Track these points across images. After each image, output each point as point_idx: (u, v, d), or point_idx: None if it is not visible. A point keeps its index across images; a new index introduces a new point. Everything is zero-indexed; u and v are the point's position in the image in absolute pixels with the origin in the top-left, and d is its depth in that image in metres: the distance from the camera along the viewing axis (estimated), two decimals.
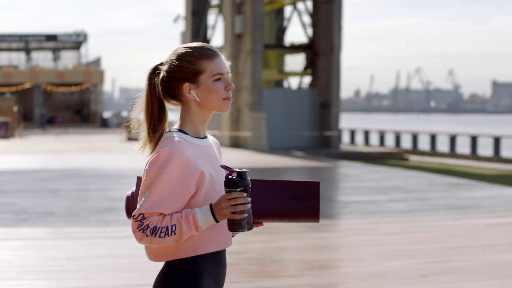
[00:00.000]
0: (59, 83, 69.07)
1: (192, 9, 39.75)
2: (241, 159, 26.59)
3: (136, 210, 3.08)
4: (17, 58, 76.91)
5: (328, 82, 34.94)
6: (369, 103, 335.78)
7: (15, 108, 48.46)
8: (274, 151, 31.78)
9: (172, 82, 3.18)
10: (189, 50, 3.18)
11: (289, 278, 8.30)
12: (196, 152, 3.15)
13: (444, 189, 17.26)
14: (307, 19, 37.32)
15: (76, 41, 75.17)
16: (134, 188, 3.41)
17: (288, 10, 40.35)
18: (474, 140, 34.07)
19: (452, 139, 35.30)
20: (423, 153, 36.67)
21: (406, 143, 42.17)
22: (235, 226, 3.02)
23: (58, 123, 69.27)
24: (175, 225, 3.04)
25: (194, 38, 39.52)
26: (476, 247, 10.00)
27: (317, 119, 35.26)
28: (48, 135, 48.36)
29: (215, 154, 3.28)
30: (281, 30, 40.14)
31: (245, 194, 2.99)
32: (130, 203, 3.39)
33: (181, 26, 40.11)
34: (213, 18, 40.24)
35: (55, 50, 76.76)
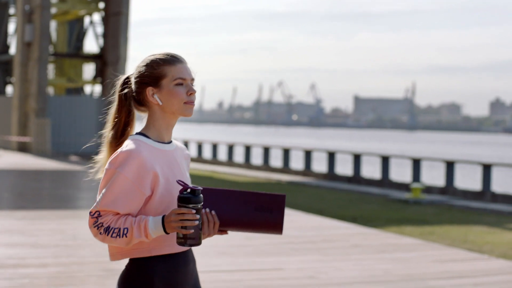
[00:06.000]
0: None
1: None
2: (11, 162, 27.79)
3: (93, 206, 3.15)
4: None
5: None
6: (232, 115, 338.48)
7: None
8: (55, 156, 33.03)
9: (138, 88, 3.27)
10: (153, 57, 3.27)
11: None
12: (155, 156, 3.20)
13: None
14: (100, 29, 38.85)
15: None
16: None
17: (87, 20, 41.73)
18: (248, 149, 36.35)
19: (230, 149, 37.52)
20: (206, 161, 38.72)
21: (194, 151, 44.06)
22: (180, 240, 3.08)
23: None
24: (127, 228, 3.09)
25: None
26: None
27: (102, 126, 36.45)
28: None
29: (178, 160, 3.32)
30: (80, 40, 41.47)
31: (194, 211, 3.03)
32: None
33: None
34: (12, 26, 41.33)
35: None
